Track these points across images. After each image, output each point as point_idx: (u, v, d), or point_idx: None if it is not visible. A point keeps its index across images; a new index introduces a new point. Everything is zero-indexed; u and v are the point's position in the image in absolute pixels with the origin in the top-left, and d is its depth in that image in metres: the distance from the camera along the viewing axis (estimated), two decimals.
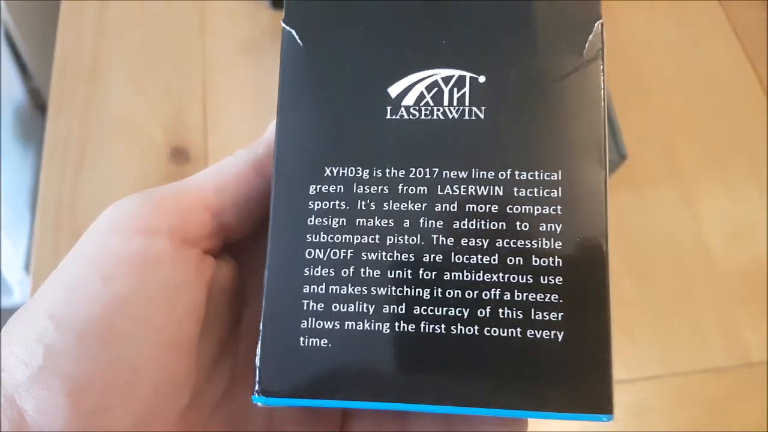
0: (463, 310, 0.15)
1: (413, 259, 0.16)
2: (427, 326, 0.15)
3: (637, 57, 0.52)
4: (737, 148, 0.48)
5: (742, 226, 0.45)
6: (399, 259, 0.16)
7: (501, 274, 0.16)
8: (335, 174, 0.16)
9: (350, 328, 0.15)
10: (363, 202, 0.16)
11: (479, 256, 0.16)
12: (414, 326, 0.15)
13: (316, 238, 0.16)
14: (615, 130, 0.42)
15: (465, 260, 0.16)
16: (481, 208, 0.16)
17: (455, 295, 0.16)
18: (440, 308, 0.15)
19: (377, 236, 0.16)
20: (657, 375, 0.40)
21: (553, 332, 0.15)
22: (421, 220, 0.16)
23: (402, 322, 0.15)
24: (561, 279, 0.15)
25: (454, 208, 0.16)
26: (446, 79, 0.16)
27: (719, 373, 0.40)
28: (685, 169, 0.47)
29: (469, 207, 0.16)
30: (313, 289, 0.16)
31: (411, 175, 0.16)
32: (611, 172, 0.43)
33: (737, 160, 0.47)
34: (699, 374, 0.40)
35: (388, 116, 0.16)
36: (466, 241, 0.16)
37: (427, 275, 0.16)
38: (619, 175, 0.44)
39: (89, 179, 0.45)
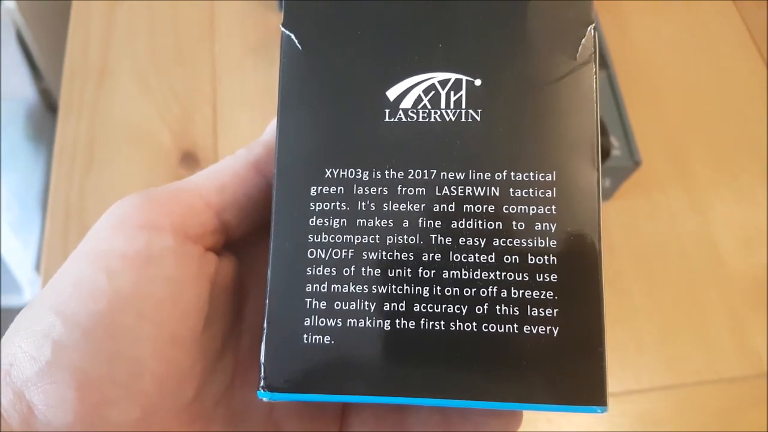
0: (462, 307, 0.16)
1: (413, 258, 0.16)
2: (426, 323, 0.16)
3: (649, 61, 0.51)
4: (749, 154, 0.47)
5: (754, 232, 0.44)
6: (399, 258, 0.16)
7: (498, 272, 0.16)
8: (335, 176, 0.17)
9: (352, 325, 0.16)
10: (363, 203, 0.16)
11: (477, 255, 0.16)
12: (414, 323, 0.16)
13: (317, 239, 0.16)
14: (628, 136, 0.41)
15: (463, 259, 0.16)
16: (478, 209, 0.16)
17: (454, 293, 0.16)
18: (439, 305, 0.16)
19: (377, 236, 0.16)
20: (667, 385, 0.39)
21: (548, 327, 0.16)
22: (420, 221, 0.16)
23: (402, 319, 0.16)
24: (556, 276, 0.16)
25: (451, 208, 0.16)
26: (443, 83, 0.17)
27: (731, 383, 0.39)
28: (696, 175, 0.46)
29: (466, 207, 0.16)
30: (316, 287, 0.16)
31: (410, 177, 0.16)
32: (625, 179, 0.42)
33: (749, 166, 0.46)
34: (710, 384, 0.39)
35: (387, 119, 0.17)
36: (464, 240, 0.16)
37: (426, 274, 0.16)
38: (630, 181, 0.43)
39: (98, 181, 0.45)
